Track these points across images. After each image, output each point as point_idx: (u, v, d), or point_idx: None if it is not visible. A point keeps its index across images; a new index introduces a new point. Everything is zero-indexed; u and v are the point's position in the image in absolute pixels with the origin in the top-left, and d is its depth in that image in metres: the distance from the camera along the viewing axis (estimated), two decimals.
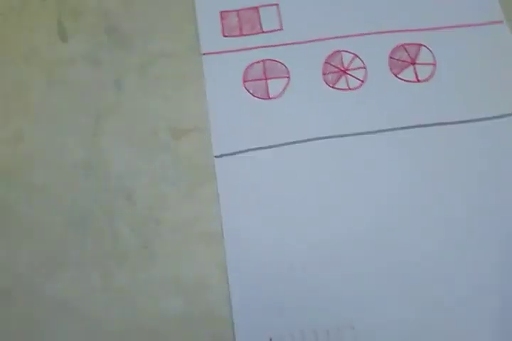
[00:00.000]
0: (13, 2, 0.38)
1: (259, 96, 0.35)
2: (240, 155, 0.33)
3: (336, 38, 0.36)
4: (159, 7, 0.37)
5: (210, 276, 0.31)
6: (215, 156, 0.33)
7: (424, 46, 0.36)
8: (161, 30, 0.37)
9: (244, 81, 0.35)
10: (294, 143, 0.33)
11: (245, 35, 0.37)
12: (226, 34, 0.36)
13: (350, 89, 0.35)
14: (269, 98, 0.35)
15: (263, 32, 0.37)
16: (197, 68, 0.35)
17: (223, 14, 0.37)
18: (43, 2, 0.38)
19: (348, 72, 0.35)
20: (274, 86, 0.35)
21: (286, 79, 0.35)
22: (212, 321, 0.30)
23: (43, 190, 0.33)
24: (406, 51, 0.36)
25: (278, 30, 0.37)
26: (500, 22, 0.36)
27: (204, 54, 0.36)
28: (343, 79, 0.35)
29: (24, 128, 0.34)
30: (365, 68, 0.35)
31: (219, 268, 0.31)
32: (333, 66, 0.35)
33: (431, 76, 0.35)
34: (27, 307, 0.31)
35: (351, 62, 0.36)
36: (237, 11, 0.37)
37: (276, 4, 0.37)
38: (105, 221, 0.32)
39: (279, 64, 0.36)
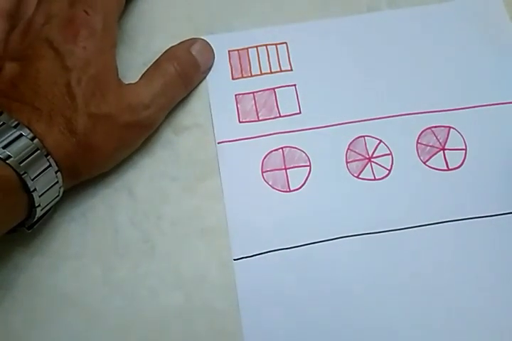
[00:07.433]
0: None
1: (279, 188, 0.33)
2: (260, 256, 0.31)
3: (358, 121, 0.34)
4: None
5: (210, 270, 0.31)
6: (234, 259, 0.31)
7: (454, 129, 0.33)
8: (162, 29, 0.36)
9: (263, 171, 0.33)
10: (319, 242, 0.31)
11: (262, 120, 0.35)
12: (242, 120, 0.35)
13: (376, 179, 0.33)
14: (290, 190, 0.33)
15: (280, 116, 0.35)
16: None
17: (238, 97, 0.35)
18: None
19: (373, 159, 0.33)
20: (295, 176, 0.33)
21: (307, 168, 0.33)
22: (212, 314, 0.30)
23: None
24: (434, 135, 0.33)
25: (296, 114, 0.35)
26: None
27: (219, 143, 0.34)
28: (368, 167, 0.33)
29: None
30: (391, 155, 0.33)
31: (219, 262, 0.31)
32: (357, 153, 0.33)
33: (462, 163, 0.33)
34: (28, 298, 0.31)
35: (376, 148, 0.33)
36: (253, 93, 0.35)
37: (294, 85, 0.35)
38: (107, 215, 0.32)
39: (299, 151, 0.34)
